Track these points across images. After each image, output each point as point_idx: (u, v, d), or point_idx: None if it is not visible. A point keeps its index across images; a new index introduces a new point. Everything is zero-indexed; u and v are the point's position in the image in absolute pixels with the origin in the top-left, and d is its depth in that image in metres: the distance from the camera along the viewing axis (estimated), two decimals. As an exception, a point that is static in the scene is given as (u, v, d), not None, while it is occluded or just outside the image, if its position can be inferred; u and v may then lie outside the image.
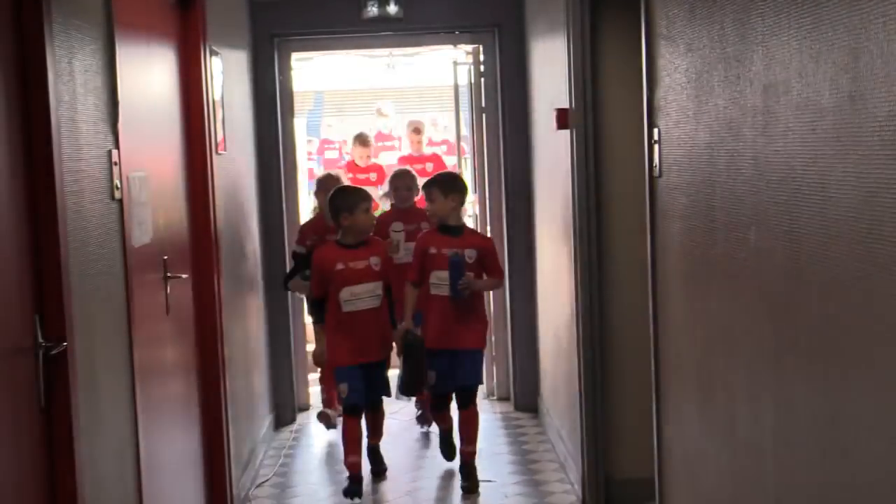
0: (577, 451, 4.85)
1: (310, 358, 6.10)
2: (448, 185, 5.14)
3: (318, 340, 5.29)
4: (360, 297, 4.99)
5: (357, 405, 5.11)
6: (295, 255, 6.05)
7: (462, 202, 5.29)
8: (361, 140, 9.49)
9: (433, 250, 5.04)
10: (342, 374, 5.06)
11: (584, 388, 4.69)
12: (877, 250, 1.88)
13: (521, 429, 6.18)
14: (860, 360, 1.99)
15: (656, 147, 3.49)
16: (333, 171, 7.67)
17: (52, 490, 2.60)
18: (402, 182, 6.24)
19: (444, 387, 5.18)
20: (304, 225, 6.28)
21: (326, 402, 6.33)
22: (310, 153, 14.48)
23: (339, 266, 4.97)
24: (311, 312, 5.30)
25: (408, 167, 6.97)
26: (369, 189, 6.74)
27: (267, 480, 5.36)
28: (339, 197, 5.13)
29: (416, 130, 9.60)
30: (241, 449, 4.98)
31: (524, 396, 6.50)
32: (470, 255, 5.01)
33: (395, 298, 5.24)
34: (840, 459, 2.10)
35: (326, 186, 5.95)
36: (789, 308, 2.34)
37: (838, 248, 2.06)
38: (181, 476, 4.04)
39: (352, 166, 9.53)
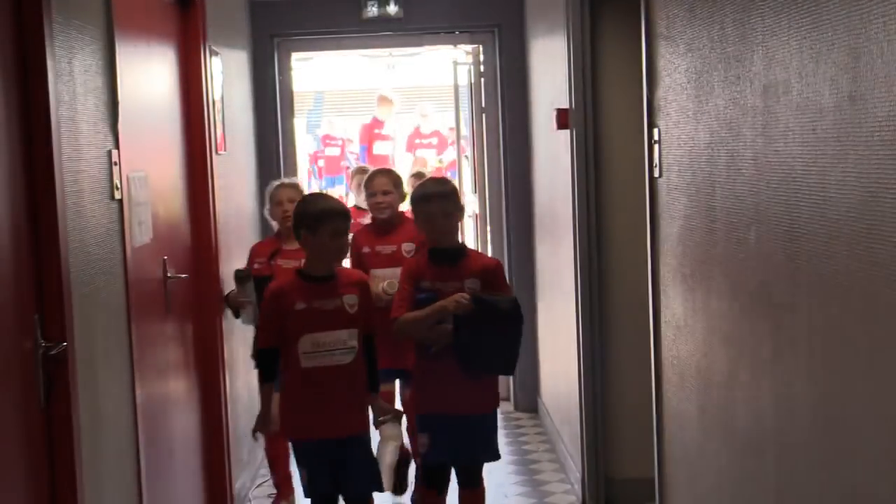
0: (577, 451, 4.85)
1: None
2: (457, 197, 4.01)
3: (264, 404, 3.85)
4: (327, 349, 3.65)
5: (326, 496, 3.76)
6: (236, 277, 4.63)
7: None
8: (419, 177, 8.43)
9: (426, 283, 3.84)
10: (301, 455, 3.76)
11: (584, 388, 4.69)
12: (877, 250, 1.88)
13: (521, 429, 6.18)
14: (860, 359, 1.99)
15: (656, 147, 3.49)
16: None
17: (52, 490, 2.60)
18: (377, 184, 4.77)
19: (439, 455, 3.90)
20: (256, 246, 5.01)
21: (278, 493, 4.88)
22: (316, 153, 14.34)
23: (300, 305, 3.66)
24: (256, 367, 3.91)
25: (391, 168, 5.52)
26: None
27: (267, 480, 5.36)
28: (302, 206, 3.82)
29: (420, 175, 7.92)
30: (240, 449, 4.98)
31: (524, 396, 6.50)
32: (471, 285, 3.81)
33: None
34: (840, 459, 2.10)
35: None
36: (789, 308, 2.34)
37: (838, 248, 2.06)
38: (181, 476, 4.04)
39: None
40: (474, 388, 3.87)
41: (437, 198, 3.89)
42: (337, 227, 3.68)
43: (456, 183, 8.09)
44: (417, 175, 8.00)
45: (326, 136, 14.24)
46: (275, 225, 4.89)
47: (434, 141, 13.00)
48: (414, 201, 3.98)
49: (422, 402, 3.96)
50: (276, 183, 4.86)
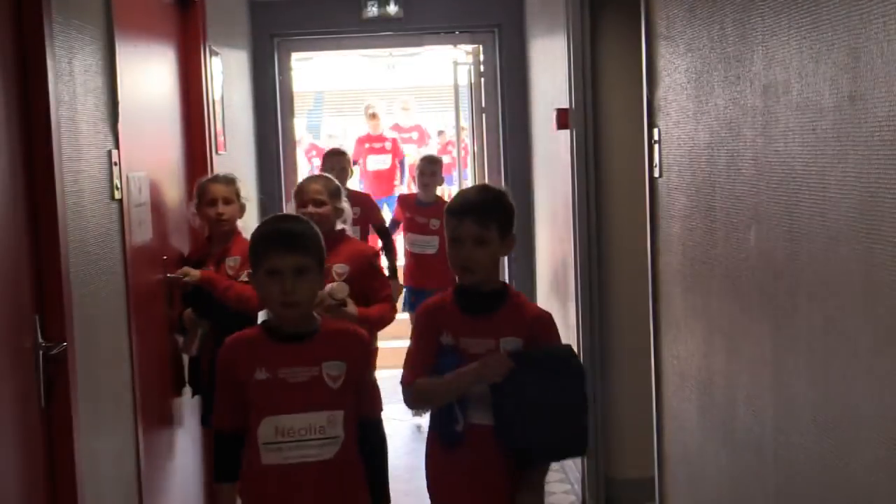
0: (577, 451, 4.84)
1: None
2: (511, 216, 2.98)
3: None
4: (295, 438, 2.61)
5: None
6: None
7: None
8: (432, 162, 6.54)
9: (448, 339, 2.79)
10: None
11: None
12: (877, 250, 1.88)
13: (521, 429, 6.18)
14: (860, 359, 1.99)
15: (656, 147, 3.49)
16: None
17: (52, 490, 2.60)
18: (309, 192, 4.02)
19: None
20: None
21: None
22: (315, 146, 14.24)
23: (261, 374, 2.62)
24: (215, 460, 2.79)
25: (327, 175, 4.34)
26: None
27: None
28: (255, 232, 2.78)
29: (432, 161, 6.60)
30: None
31: (524, 396, 6.50)
32: (510, 346, 2.77)
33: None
34: (840, 459, 2.10)
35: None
36: (789, 308, 2.34)
37: (838, 248, 2.06)
38: (181, 476, 4.04)
39: None
40: (514, 476, 2.81)
41: (473, 213, 2.81)
42: (273, 263, 2.61)
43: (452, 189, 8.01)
44: (429, 160, 6.51)
45: (313, 146, 13.98)
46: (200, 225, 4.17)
47: (414, 135, 12.54)
48: (445, 213, 2.90)
49: (439, 501, 2.90)
50: (209, 176, 4.17)
